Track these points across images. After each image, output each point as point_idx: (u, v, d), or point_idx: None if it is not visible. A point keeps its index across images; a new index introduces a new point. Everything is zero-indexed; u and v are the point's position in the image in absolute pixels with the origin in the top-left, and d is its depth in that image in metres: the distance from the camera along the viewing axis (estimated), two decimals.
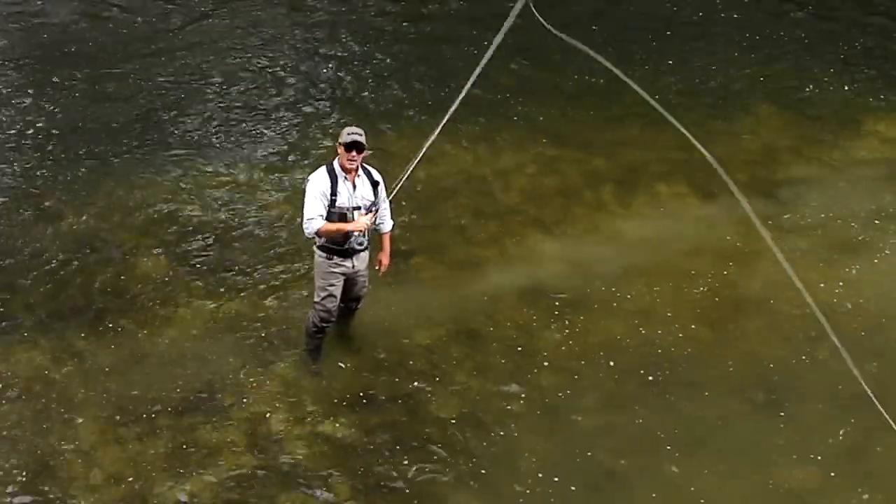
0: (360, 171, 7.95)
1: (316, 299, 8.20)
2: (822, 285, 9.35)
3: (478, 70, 7.46)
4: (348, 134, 7.81)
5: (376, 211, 7.94)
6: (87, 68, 12.60)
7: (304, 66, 12.81)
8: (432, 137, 7.71)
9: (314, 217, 7.79)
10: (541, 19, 7.72)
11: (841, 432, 7.86)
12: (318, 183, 7.86)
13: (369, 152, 7.99)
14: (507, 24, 7.52)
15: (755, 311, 9.03)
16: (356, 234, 7.93)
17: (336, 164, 7.90)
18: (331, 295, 8.13)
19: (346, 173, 7.86)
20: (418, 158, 7.79)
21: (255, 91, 12.25)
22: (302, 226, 7.92)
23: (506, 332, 8.87)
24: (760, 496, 7.49)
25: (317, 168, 8.11)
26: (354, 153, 7.77)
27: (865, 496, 7.49)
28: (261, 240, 9.81)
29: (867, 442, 7.82)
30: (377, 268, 8.29)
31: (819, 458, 7.69)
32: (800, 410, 8.06)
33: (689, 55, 13.16)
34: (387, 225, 8.24)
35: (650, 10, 14.33)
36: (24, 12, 13.81)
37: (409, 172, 7.84)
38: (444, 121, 7.71)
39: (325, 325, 8.27)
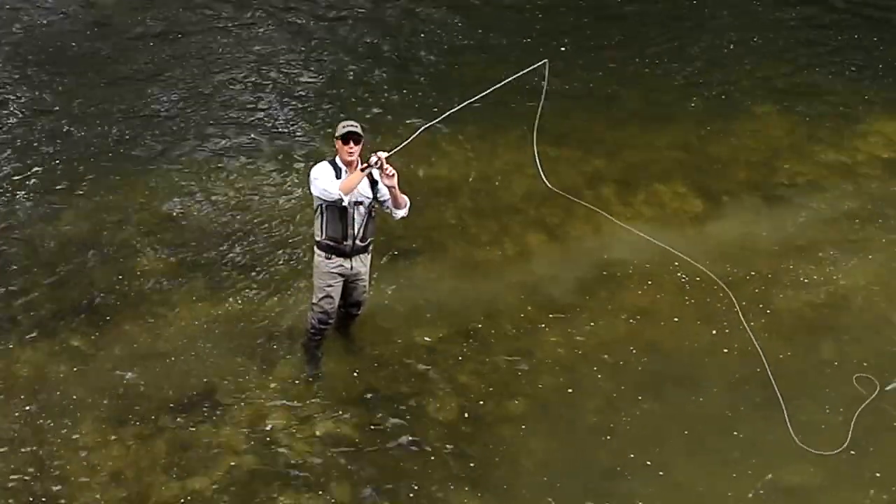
0: (360, 167, 7.94)
1: (314, 300, 8.20)
2: (820, 285, 9.38)
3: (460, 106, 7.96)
4: (343, 127, 7.84)
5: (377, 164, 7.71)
6: (88, 69, 12.60)
7: (304, 67, 12.80)
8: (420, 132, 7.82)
9: (333, 184, 7.74)
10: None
11: (842, 432, 7.85)
12: (325, 170, 7.87)
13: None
14: (515, 76, 7.91)
15: (756, 310, 9.03)
16: (359, 228, 7.94)
17: (337, 159, 7.91)
18: (328, 296, 8.12)
19: (347, 167, 7.86)
20: (413, 136, 7.82)
21: (256, 93, 12.25)
22: (322, 196, 7.82)
23: (506, 332, 8.87)
24: (761, 496, 7.48)
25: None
26: (352, 144, 7.78)
27: (867, 496, 7.49)
28: (261, 240, 9.81)
29: (869, 442, 7.83)
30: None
31: (820, 457, 7.69)
32: (800, 410, 8.05)
33: (689, 54, 13.16)
34: (402, 211, 8.09)
35: (651, 9, 14.33)
36: (25, 11, 13.81)
37: (403, 145, 7.83)
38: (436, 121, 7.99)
39: (322, 326, 8.26)
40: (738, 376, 8.42)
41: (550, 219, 10.24)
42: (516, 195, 10.59)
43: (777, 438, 7.78)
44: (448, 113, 8.05)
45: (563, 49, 13.12)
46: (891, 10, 14.27)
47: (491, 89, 7.92)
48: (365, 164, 7.69)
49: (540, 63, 7.87)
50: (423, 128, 7.83)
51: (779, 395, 7.95)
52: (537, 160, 8.30)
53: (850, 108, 12.08)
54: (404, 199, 8.01)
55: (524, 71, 8.03)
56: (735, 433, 7.93)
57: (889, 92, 12.37)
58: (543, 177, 8.32)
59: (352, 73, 12.73)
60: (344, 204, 7.82)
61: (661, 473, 7.64)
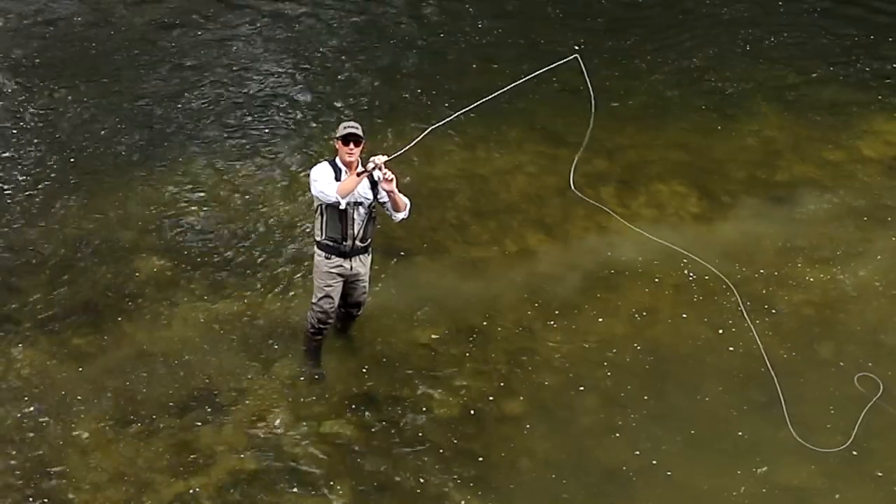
0: (357, 172, 7.93)
1: (313, 300, 8.19)
2: (820, 285, 9.37)
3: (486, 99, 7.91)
4: (344, 128, 7.84)
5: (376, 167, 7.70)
6: (87, 70, 12.57)
7: (306, 68, 12.79)
8: (427, 131, 7.82)
9: (331, 186, 7.75)
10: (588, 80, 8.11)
11: (845, 432, 7.85)
12: (325, 170, 7.88)
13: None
14: (543, 69, 8.00)
15: (759, 310, 9.01)
16: (358, 229, 7.92)
17: (338, 160, 7.90)
18: (328, 296, 8.11)
19: (347, 168, 7.85)
20: (417, 140, 7.83)
21: (256, 93, 12.23)
22: (320, 198, 7.83)
23: (506, 332, 8.86)
24: (761, 496, 7.49)
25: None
26: (352, 146, 7.77)
27: (870, 495, 7.50)
28: (261, 240, 9.80)
29: (872, 441, 7.83)
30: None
31: (823, 457, 7.68)
32: (804, 410, 8.04)
33: (689, 54, 13.15)
34: (402, 214, 8.10)
35: (650, 8, 14.32)
36: (26, 12, 13.79)
37: (404, 150, 7.85)
38: (438, 124, 7.95)
39: (322, 326, 8.25)
40: (741, 375, 8.42)
41: (550, 218, 10.23)
42: (516, 195, 10.59)
43: (781, 438, 7.78)
44: (457, 114, 8.09)
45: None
46: (892, 9, 14.25)
47: (512, 85, 7.94)
48: (363, 169, 7.69)
49: (571, 57, 7.82)
50: (424, 132, 7.82)
51: (780, 395, 7.94)
52: (574, 162, 8.40)
53: (850, 107, 12.07)
54: (404, 201, 8.00)
55: (554, 65, 7.99)
56: (739, 433, 7.93)
57: (890, 91, 12.36)
58: (572, 184, 8.36)
59: (351, 75, 12.70)
60: (342, 207, 7.82)
61: (668, 474, 7.63)
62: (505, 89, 7.97)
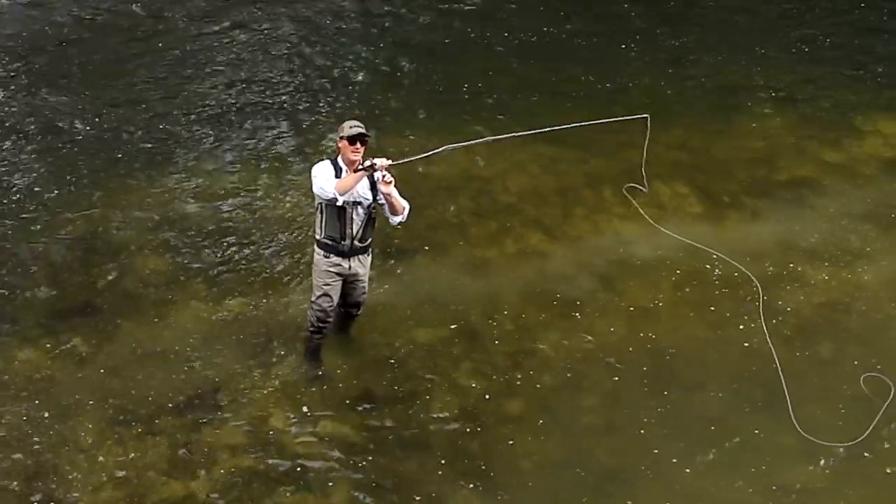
0: (355, 168, 7.92)
1: (312, 298, 8.20)
2: (822, 285, 9.37)
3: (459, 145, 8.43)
4: (351, 127, 7.82)
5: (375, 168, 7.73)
6: (87, 68, 12.59)
7: (306, 66, 12.80)
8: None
9: (330, 183, 7.74)
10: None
11: (843, 432, 7.85)
12: (326, 168, 7.87)
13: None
14: (609, 120, 8.95)
15: (755, 310, 9.01)
16: (357, 229, 7.93)
17: (339, 159, 7.90)
18: (326, 294, 8.11)
19: (349, 167, 7.85)
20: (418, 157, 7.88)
21: (256, 92, 12.23)
22: (319, 194, 7.82)
23: (506, 332, 8.86)
24: (761, 496, 7.48)
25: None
26: (359, 144, 7.77)
27: (879, 494, 7.51)
28: (261, 239, 9.80)
29: (869, 442, 7.82)
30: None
31: (821, 457, 7.68)
32: (801, 410, 8.04)
33: (688, 54, 13.15)
34: (399, 217, 8.09)
35: (650, 8, 14.32)
36: (25, 10, 13.80)
37: (410, 160, 7.93)
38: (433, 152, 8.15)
39: (321, 325, 8.25)
40: (748, 374, 8.40)
41: (550, 219, 10.23)
42: (516, 195, 10.59)
43: (790, 437, 7.78)
44: (479, 141, 8.45)
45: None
46: (892, 9, 14.25)
47: (566, 126, 8.48)
48: (362, 166, 7.69)
49: (641, 116, 8.22)
50: (438, 150, 7.92)
51: (786, 394, 7.94)
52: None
53: (850, 107, 12.06)
54: (402, 204, 7.98)
55: (622, 118, 8.59)
56: (747, 431, 7.92)
57: (890, 91, 12.36)
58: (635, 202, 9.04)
59: (354, 78, 12.71)
60: (339, 203, 7.82)
61: (673, 473, 7.62)
62: (558, 128, 8.45)
